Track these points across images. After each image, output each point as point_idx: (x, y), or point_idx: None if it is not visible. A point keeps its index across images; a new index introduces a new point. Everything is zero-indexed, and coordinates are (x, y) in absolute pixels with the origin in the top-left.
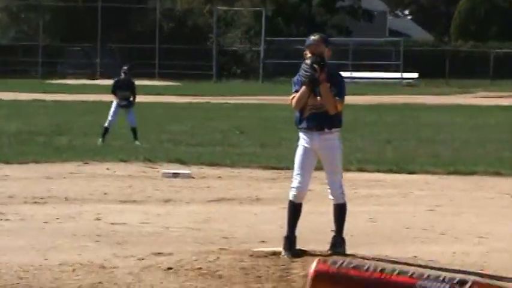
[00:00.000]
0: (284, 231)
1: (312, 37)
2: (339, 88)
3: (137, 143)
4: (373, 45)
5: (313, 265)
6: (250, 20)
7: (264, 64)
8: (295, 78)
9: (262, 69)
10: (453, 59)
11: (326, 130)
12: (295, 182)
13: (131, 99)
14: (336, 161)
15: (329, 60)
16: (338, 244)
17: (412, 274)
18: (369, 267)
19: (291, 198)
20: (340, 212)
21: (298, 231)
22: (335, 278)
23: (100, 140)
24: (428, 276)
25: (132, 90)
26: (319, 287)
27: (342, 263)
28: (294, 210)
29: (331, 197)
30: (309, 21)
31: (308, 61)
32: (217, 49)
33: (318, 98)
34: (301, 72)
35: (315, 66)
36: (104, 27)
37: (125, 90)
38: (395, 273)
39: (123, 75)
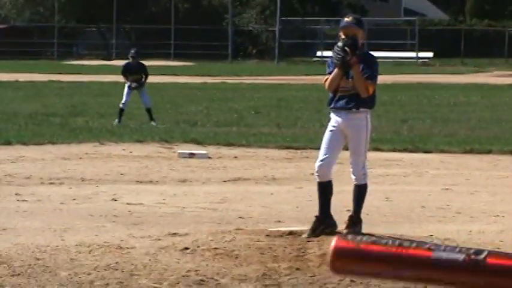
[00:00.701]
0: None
1: (346, 19)
2: (372, 70)
3: (153, 123)
4: (388, 25)
5: (332, 242)
6: (265, 0)
7: (279, 44)
8: (329, 60)
9: (277, 49)
10: (468, 38)
11: (354, 110)
12: (318, 160)
13: (143, 79)
14: (361, 141)
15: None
16: (355, 223)
17: (429, 247)
18: (387, 242)
19: (315, 177)
20: (360, 192)
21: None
22: (355, 253)
23: (116, 120)
24: (445, 247)
25: (144, 72)
26: (339, 263)
27: (361, 238)
28: (320, 189)
29: (352, 176)
30: (324, 0)
31: (340, 44)
32: (233, 29)
33: (350, 80)
34: (334, 54)
35: (347, 49)
36: (119, 8)
37: (135, 73)
38: (413, 245)
39: (131, 60)
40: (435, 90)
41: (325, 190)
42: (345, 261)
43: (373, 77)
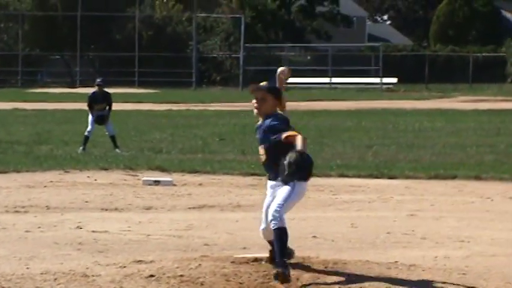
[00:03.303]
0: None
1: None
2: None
3: (117, 150)
4: (353, 51)
5: None
6: (229, 27)
7: (243, 71)
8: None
9: (242, 76)
10: (432, 63)
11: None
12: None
13: (106, 110)
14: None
15: (309, 67)
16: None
17: None
18: None
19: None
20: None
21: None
22: None
23: (81, 148)
24: None
25: (108, 101)
26: None
27: None
28: (270, 243)
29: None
30: (288, 27)
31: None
32: (197, 56)
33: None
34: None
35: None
36: (83, 36)
37: (100, 102)
38: None
39: (97, 89)
40: (400, 116)
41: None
42: None
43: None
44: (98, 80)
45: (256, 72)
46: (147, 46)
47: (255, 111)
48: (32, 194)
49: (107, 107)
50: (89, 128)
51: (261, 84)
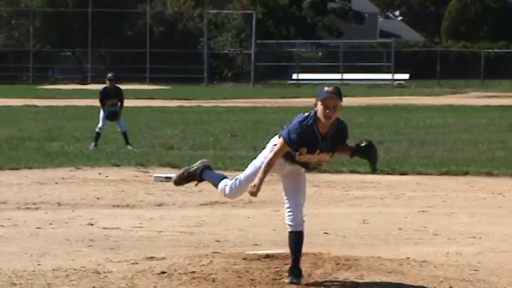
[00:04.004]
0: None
1: (326, 89)
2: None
3: (129, 147)
4: (364, 47)
5: None
6: (240, 23)
7: (255, 67)
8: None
9: (253, 72)
10: (444, 59)
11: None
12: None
13: (118, 106)
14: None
15: (320, 63)
16: (295, 275)
17: None
18: None
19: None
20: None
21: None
22: None
23: (92, 144)
24: None
25: (120, 97)
26: None
27: None
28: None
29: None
30: (300, 23)
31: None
32: (208, 53)
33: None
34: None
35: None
36: (94, 32)
37: (112, 97)
38: None
39: (108, 83)
40: (411, 112)
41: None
42: None
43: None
44: (109, 74)
45: (267, 68)
46: (158, 42)
47: (326, 120)
48: (43, 191)
49: (119, 103)
50: (100, 124)
51: (335, 89)
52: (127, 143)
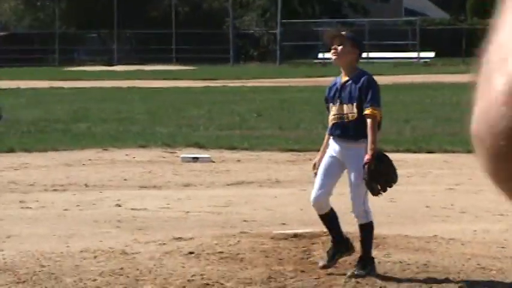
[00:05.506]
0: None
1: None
2: (372, 95)
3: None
4: (390, 25)
5: None
6: (265, 2)
7: (280, 46)
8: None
9: (279, 51)
10: (470, 37)
11: (352, 140)
12: (313, 190)
13: None
14: (361, 172)
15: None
16: (364, 266)
17: None
18: None
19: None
20: (365, 233)
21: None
22: None
23: None
24: None
25: None
26: None
27: None
28: (321, 219)
29: (353, 214)
30: (325, 1)
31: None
32: (234, 32)
33: (345, 106)
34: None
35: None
36: (119, 14)
37: None
38: None
39: None
40: (437, 90)
41: (325, 220)
42: None
43: (375, 103)
44: None
45: (293, 47)
46: (184, 23)
47: (333, 58)
48: (70, 172)
49: None
50: None
51: (339, 29)
52: None
